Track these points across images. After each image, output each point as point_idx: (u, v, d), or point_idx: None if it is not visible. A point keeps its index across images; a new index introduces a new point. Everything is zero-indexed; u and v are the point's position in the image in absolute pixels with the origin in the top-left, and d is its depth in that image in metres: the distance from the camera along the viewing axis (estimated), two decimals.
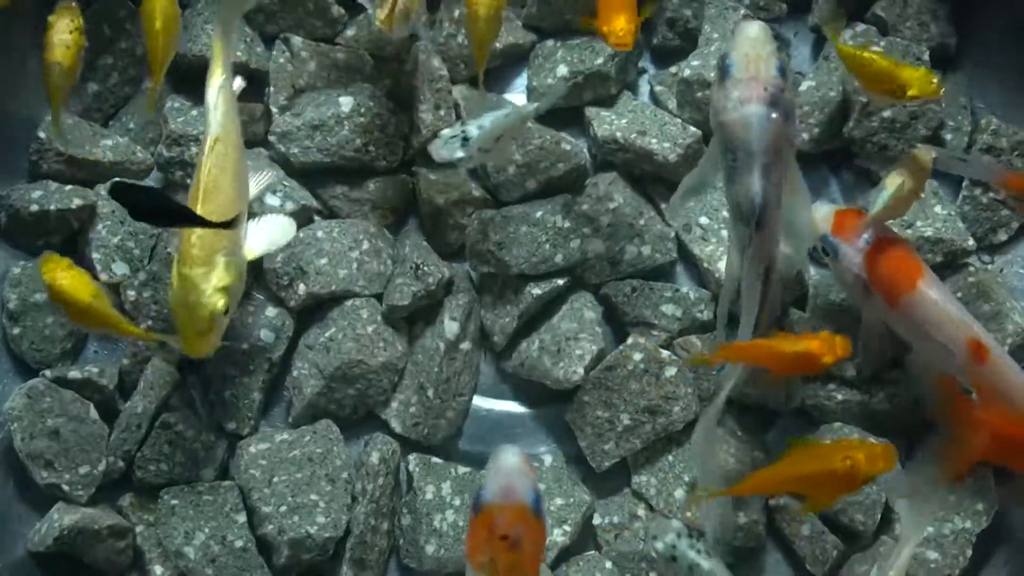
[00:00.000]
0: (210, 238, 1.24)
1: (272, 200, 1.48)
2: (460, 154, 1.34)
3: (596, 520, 1.45)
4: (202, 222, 1.20)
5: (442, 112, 1.54)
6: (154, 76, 1.39)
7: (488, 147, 1.36)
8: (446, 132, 1.36)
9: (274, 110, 1.54)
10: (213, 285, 1.22)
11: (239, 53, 1.54)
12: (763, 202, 1.20)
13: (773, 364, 1.25)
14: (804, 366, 1.23)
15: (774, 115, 1.19)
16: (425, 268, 1.46)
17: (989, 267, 1.54)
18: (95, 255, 1.47)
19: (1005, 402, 1.29)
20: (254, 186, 1.39)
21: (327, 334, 1.46)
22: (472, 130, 1.35)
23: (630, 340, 1.47)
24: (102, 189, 1.52)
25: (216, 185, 1.27)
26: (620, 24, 1.33)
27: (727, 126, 1.21)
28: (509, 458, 1.14)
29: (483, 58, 1.42)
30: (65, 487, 1.40)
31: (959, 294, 1.47)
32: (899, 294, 1.33)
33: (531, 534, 1.07)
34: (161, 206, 1.18)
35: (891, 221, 1.40)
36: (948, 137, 1.55)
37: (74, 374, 1.43)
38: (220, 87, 1.33)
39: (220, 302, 1.22)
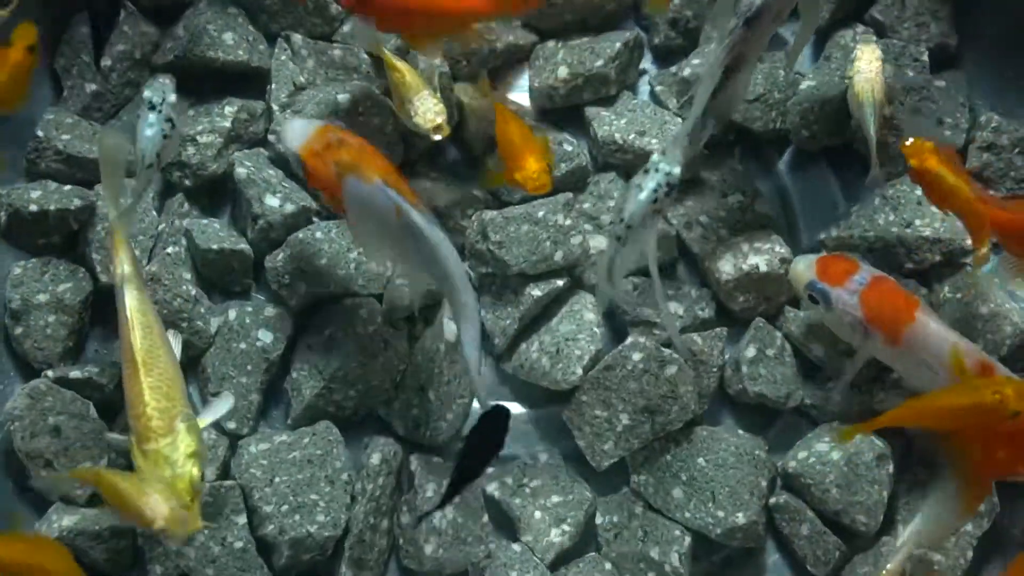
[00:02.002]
0: (166, 405, 1.21)
1: (272, 201, 1.47)
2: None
3: (597, 519, 1.45)
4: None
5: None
6: None
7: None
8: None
9: (275, 107, 1.54)
10: (183, 453, 1.18)
11: (240, 52, 1.54)
12: (762, 5, 1.24)
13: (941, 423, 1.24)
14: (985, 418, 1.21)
15: None
16: None
17: (989, 267, 1.54)
18: (95, 256, 1.47)
19: None
20: (211, 415, 1.32)
21: (326, 333, 1.46)
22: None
23: (629, 340, 1.47)
24: (101, 189, 1.51)
25: (151, 354, 1.25)
26: (532, 167, 1.29)
27: None
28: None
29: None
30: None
31: (958, 295, 1.48)
32: (901, 329, 1.34)
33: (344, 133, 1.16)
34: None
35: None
36: (947, 134, 1.55)
37: (75, 374, 1.43)
38: (125, 272, 1.31)
39: (195, 469, 1.17)
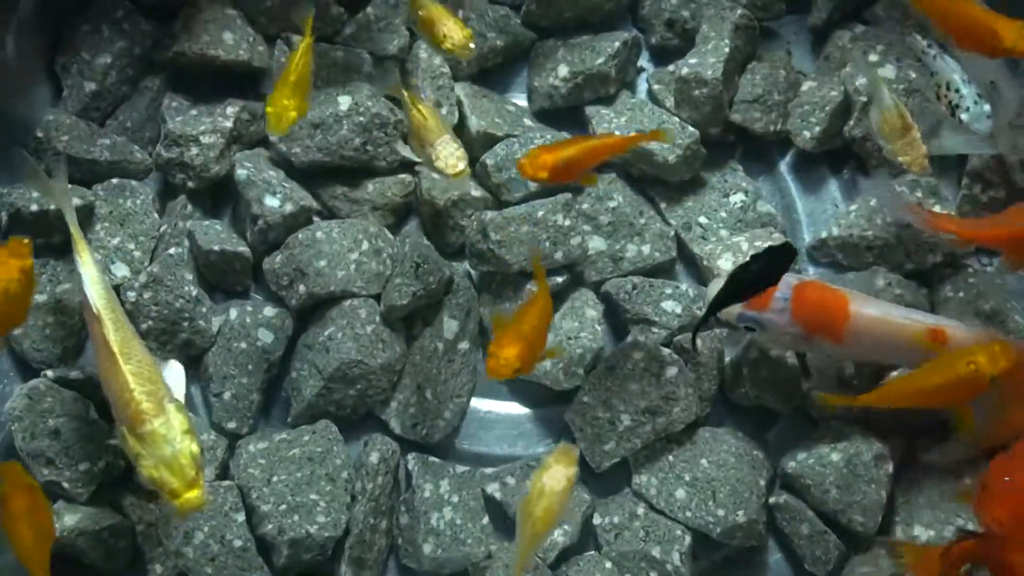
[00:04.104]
0: (151, 388, 1.22)
1: (272, 201, 1.48)
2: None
3: (596, 520, 1.45)
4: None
5: (443, 110, 1.54)
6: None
7: None
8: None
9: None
10: (178, 430, 1.19)
11: (241, 51, 1.54)
12: None
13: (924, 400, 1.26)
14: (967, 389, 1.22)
15: None
16: (426, 267, 1.46)
17: (989, 268, 1.54)
18: (95, 256, 1.47)
19: None
20: (177, 388, 1.36)
21: (326, 334, 1.46)
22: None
23: (630, 338, 1.47)
24: (100, 189, 1.52)
25: (127, 344, 1.26)
26: (506, 353, 1.24)
27: None
28: None
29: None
30: (65, 484, 1.39)
31: (960, 294, 1.48)
32: (840, 328, 1.34)
33: None
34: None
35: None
36: (947, 134, 1.54)
37: (75, 374, 1.43)
38: (86, 258, 1.34)
39: (193, 444, 1.19)
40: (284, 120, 1.29)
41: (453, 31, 1.37)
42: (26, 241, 1.28)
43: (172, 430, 1.19)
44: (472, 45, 1.37)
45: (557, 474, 1.21)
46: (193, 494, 1.16)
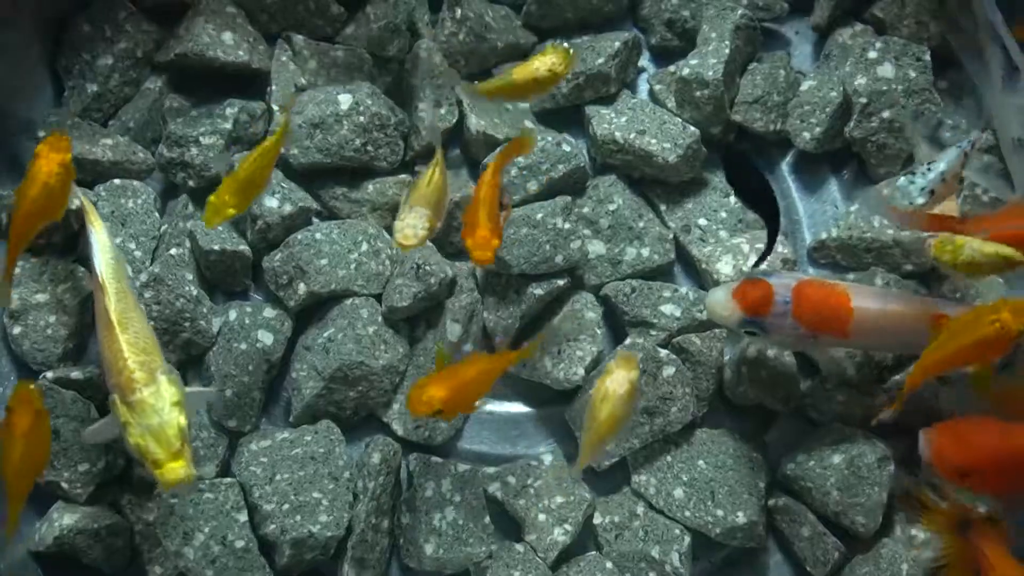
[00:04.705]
0: (145, 359, 1.23)
1: (271, 202, 1.48)
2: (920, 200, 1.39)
3: (596, 519, 1.45)
4: None
5: (442, 110, 1.54)
6: None
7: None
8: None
9: (275, 108, 1.54)
10: (167, 401, 1.21)
11: (241, 52, 1.54)
12: None
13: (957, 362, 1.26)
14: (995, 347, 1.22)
15: None
16: (427, 268, 1.46)
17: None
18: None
19: None
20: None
21: (326, 334, 1.46)
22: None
23: (628, 340, 1.47)
24: (102, 189, 1.52)
25: (126, 315, 1.28)
26: (480, 234, 1.27)
27: None
28: None
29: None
30: (64, 485, 1.40)
31: (958, 294, 1.47)
32: (845, 325, 1.34)
33: None
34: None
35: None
36: (947, 135, 1.55)
37: (76, 374, 1.43)
38: (99, 226, 1.36)
39: (181, 417, 1.20)
40: (220, 215, 1.28)
41: (404, 226, 1.32)
42: (65, 135, 1.31)
43: (161, 400, 1.20)
44: (409, 242, 1.31)
45: (619, 378, 1.26)
46: (176, 464, 1.17)
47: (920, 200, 1.42)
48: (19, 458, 1.25)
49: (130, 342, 1.25)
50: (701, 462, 1.44)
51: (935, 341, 1.25)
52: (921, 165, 1.45)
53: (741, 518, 1.41)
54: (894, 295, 1.39)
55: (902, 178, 1.46)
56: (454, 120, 1.56)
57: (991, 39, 1.49)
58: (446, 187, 1.39)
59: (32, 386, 1.28)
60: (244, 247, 1.49)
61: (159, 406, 1.20)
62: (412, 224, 1.31)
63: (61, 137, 1.31)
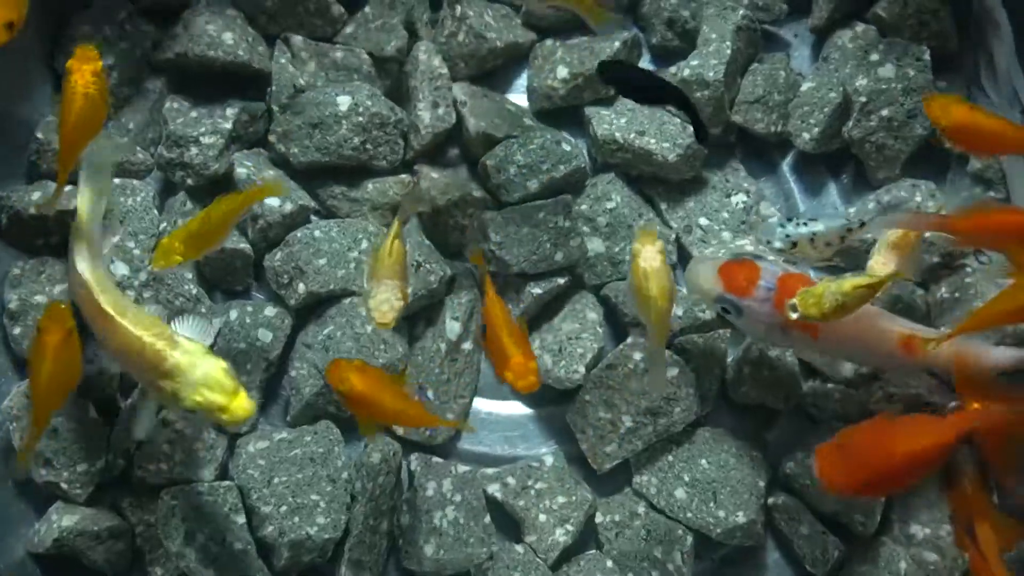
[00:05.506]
0: (157, 330, 1.24)
1: (271, 201, 1.48)
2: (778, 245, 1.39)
3: (598, 519, 1.45)
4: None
5: (441, 111, 1.54)
6: None
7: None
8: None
9: (275, 109, 1.54)
10: (200, 352, 1.22)
11: (241, 52, 1.54)
12: None
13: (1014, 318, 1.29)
14: None
15: None
16: (427, 266, 1.46)
17: (987, 268, 1.54)
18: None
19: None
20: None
21: (325, 332, 1.46)
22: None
23: (630, 339, 1.48)
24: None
25: (118, 303, 1.28)
26: (519, 362, 1.26)
27: None
28: None
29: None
30: (64, 485, 1.40)
31: (956, 294, 1.48)
32: (816, 325, 1.31)
33: None
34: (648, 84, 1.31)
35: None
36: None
37: None
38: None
39: (219, 360, 1.22)
40: (167, 259, 1.29)
41: (378, 303, 1.29)
42: (91, 46, 1.32)
43: (193, 355, 1.21)
44: (387, 319, 1.28)
45: (648, 254, 1.27)
46: (239, 400, 1.19)
47: (777, 245, 1.40)
48: (49, 376, 1.25)
49: (135, 322, 1.25)
50: (703, 461, 1.45)
51: (1001, 294, 1.25)
52: (803, 216, 1.44)
53: (741, 518, 1.41)
54: (872, 310, 1.35)
55: (775, 219, 1.46)
56: (452, 121, 1.55)
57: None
58: (406, 254, 1.34)
59: (63, 305, 1.28)
60: (245, 245, 1.49)
61: (195, 360, 1.21)
62: (386, 299, 1.28)
63: (88, 48, 1.31)
